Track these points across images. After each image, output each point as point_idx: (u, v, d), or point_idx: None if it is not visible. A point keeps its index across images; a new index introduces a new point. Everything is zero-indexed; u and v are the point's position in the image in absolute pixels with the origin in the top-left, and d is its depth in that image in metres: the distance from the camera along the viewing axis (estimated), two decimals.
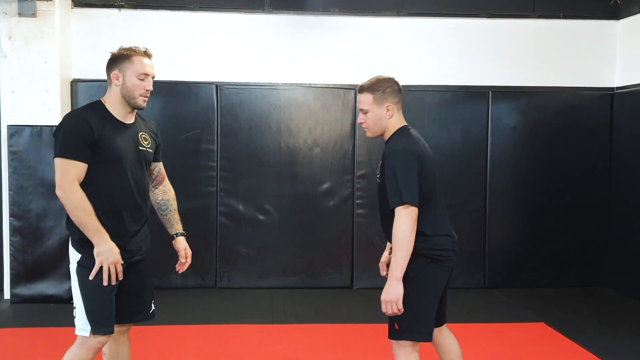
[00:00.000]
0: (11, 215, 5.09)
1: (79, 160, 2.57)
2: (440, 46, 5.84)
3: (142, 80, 2.69)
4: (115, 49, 2.80)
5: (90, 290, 2.59)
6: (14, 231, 5.08)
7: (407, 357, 2.71)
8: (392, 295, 2.59)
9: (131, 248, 2.71)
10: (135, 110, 2.78)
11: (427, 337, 2.71)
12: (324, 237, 5.75)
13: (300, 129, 5.70)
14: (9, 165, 5.08)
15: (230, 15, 5.71)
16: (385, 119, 2.73)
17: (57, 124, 2.62)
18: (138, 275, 2.79)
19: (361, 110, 2.76)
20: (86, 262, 2.59)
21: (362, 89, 2.76)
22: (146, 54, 2.75)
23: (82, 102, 5.54)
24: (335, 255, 5.76)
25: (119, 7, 5.61)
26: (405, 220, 2.56)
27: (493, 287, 5.82)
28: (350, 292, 5.67)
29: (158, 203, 2.97)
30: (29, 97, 5.22)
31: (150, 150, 2.84)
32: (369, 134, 2.81)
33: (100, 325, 2.58)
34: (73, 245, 2.67)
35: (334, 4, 5.75)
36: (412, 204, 2.56)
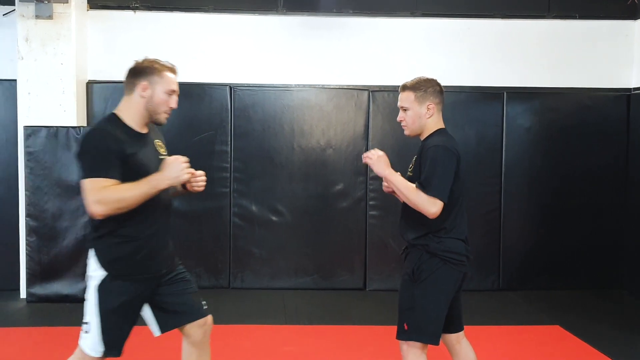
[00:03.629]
0: (27, 215, 5.14)
1: (111, 178, 2.39)
2: (455, 47, 5.81)
3: (169, 96, 2.59)
4: (140, 57, 2.65)
5: (110, 312, 2.49)
6: (30, 231, 5.14)
7: (415, 359, 2.70)
8: (378, 167, 2.75)
9: (163, 269, 2.62)
10: None
11: (434, 339, 2.70)
12: (336, 238, 5.74)
13: (313, 130, 5.71)
14: (26, 166, 5.13)
15: (244, 16, 5.73)
16: (424, 118, 2.78)
17: (81, 140, 2.47)
18: (176, 278, 2.71)
19: (402, 107, 2.81)
20: (111, 282, 2.49)
21: (404, 87, 2.82)
22: (173, 70, 2.65)
23: (97, 103, 5.61)
24: (347, 256, 5.75)
25: (134, 9, 5.65)
26: (425, 201, 2.57)
27: (507, 289, 5.78)
28: (362, 294, 5.65)
29: None
30: (45, 99, 5.28)
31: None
32: (407, 132, 2.86)
33: (113, 348, 2.52)
34: (101, 263, 2.50)
35: (348, 5, 5.75)
36: (442, 200, 2.58)
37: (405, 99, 2.79)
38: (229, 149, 5.66)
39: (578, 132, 5.80)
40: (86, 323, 2.52)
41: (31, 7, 5.18)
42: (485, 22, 5.83)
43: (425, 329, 2.68)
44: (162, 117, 2.61)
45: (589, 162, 5.81)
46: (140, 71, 2.58)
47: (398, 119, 2.86)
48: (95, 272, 2.51)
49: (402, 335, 2.73)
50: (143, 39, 5.66)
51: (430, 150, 2.67)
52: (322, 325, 4.71)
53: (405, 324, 2.70)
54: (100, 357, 2.52)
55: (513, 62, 5.84)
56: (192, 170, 2.58)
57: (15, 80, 5.33)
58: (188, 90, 5.64)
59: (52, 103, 5.28)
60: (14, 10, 5.30)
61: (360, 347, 4.20)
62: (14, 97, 5.33)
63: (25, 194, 5.14)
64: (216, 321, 4.68)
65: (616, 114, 5.84)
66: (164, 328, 2.71)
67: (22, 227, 5.24)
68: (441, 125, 2.83)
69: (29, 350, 4.11)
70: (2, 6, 5.44)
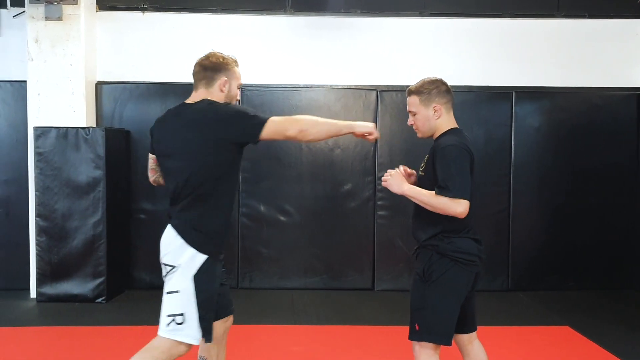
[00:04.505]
0: (37, 215, 5.18)
1: None
2: (463, 47, 5.80)
3: (238, 90, 2.78)
4: (217, 53, 2.84)
5: (207, 298, 2.55)
6: (40, 231, 5.17)
7: (428, 359, 2.70)
8: (394, 186, 2.71)
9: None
10: None
11: (446, 340, 2.68)
12: (344, 238, 5.74)
13: None
14: (35, 166, 5.17)
15: (252, 17, 5.74)
16: (433, 119, 2.77)
17: (213, 110, 2.61)
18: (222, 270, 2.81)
19: (410, 112, 2.82)
20: (208, 267, 2.53)
21: (409, 92, 2.82)
22: (238, 65, 2.84)
23: (106, 103, 5.63)
24: (356, 256, 5.75)
25: (143, 10, 5.67)
26: (449, 203, 2.55)
27: (516, 290, 5.75)
28: (371, 294, 5.65)
29: None
30: (54, 99, 5.31)
31: None
32: (419, 135, 2.87)
33: (209, 333, 2.59)
34: (200, 247, 2.53)
35: (356, 5, 5.74)
36: (466, 198, 2.57)
37: (412, 103, 2.81)
38: None
39: (587, 132, 5.77)
40: (180, 314, 2.52)
41: (41, 9, 5.21)
42: (494, 21, 5.81)
43: (436, 329, 2.67)
44: None
45: (599, 162, 5.77)
46: (220, 67, 2.73)
47: (408, 123, 2.87)
48: (192, 259, 2.52)
49: (414, 336, 2.72)
50: (151, 40, 5.68)
51: (443, 151, 2.65)
52: (330, 325, 4.71)
53: (416, 325, 2.69)
54: (183, 345, 2.54)
55: (522, 62, 5.82)
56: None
57: (25, 81, 5.36)
58: None
59: (61, 104, 5.31)
60: (24, 11, 5.34)
61: (368, 347, 4.20)
62: (24, 98, 5.37)
63: (35, 194, 5.17)
64: None
65: (626, 113, 5.81)
66: None
67: (32, 227, 5.28)
68: (453, 124, 2.81)
69: (38, 349, 4.13)
70: (12, 8, 5.48)
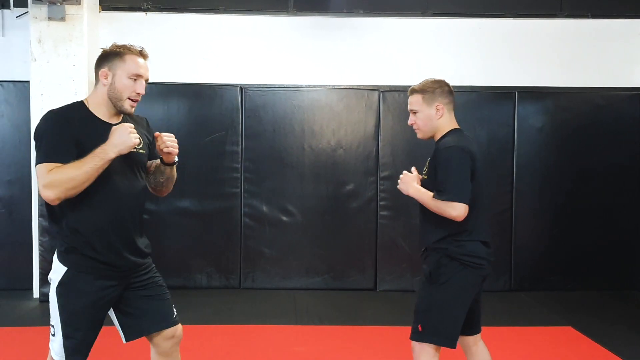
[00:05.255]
0: (40, 215, 5.19)
1: (64, 163, 2.25)
2: (466, 46, 5.79)
3: (134, 81, 2.40)
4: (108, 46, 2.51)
5: (71, 316, 2.34)
6: (43, 231, 5.18)
7: None
8: (404, 188, 2.76)
9: (129, 265, 2.45)
10: None
11: (451, 342, 2.67)
12: (347, 238, 5.74)
13: (324, 131, 5.71)
14: None
15: (255, 17, 5.74)
16: (435, 119, 2.77)
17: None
18: (148, 282, 2.55)
19: (411, 111, 2.82)
20: (70, 281, 2.34)
21: (412, 90, 2.82)
22: (141, 53, 2.46)
23: None
24: (358, 257, 5.75)
25: (145, 10, 5.68)
26: (443, 206, 2.57)
27: (519, 290, 5.75)
28: (373, 294, 5.65)
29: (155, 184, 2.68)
30: (57, 100, 5.30)
31: (143, 151, 2.52)
32: (419, 135, 2.85)
33: (75, 353, 2.37)
34: (59, 258, 2.38)
35: (358, 5, 5.74)
36: (462, 202, 2.56)
37: (414, 102, 2.80)
38: (240, 150, 5.67)
39: (590, 132, 5.76)
40: (52, 326, 2.40)
41: (44, 9, 5.22)
42: (497, 21, 5.80)
43: (441, 331, 2.65)
44: (127, 105, 2.42)
45: (602, 162, 5.76)
46: (102, 57, 2.43)
47: (409, 122, 2.85)
48: (55, 271, 2.39)
49: (416, 336, 2.71)
50: (154, 40, 5.68)
51: (442, 152, 2.65)
52: (332, 325, 4.71)
53: (419, 325, 2.68)
54: None
55: (524, 62, 5.81)
56: (157, 132, 2.51)
57: (28, 81, 5.37)
58: (199, 91, 5.67)
59: (64, 104, 5.30)
60: (27, 12, 5.35)
61: (370, 347, 4.20)
62: (27, 99, 5.38)
63: (38, 194, 5.18)
64: (227, 321, 4.74)
65: (629, 113, 5.80)
66: (128, 336, 2.54)
67: (35, 227, 5.29)
68: (454, 125, 2.81)
69: (41, 349, 4.13)
70: (15, 8, 5.49)
